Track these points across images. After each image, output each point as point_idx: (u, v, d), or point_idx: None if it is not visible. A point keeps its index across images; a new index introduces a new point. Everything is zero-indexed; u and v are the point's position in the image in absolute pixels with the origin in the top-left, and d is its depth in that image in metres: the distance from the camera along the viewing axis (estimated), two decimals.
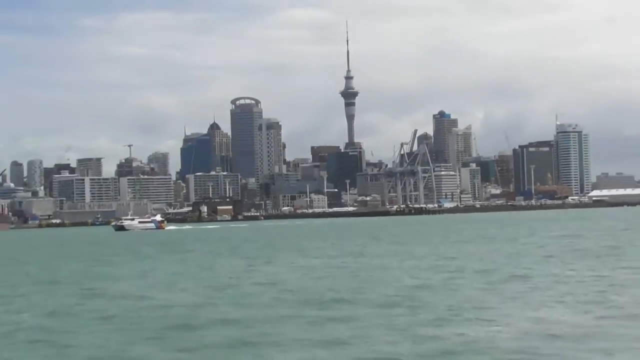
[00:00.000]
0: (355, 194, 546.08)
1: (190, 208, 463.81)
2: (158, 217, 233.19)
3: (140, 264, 71.59)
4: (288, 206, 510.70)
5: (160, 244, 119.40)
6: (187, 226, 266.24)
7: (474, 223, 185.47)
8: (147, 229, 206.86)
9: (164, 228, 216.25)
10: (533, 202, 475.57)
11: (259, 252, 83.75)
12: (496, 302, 35.39)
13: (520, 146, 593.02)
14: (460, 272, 50.64)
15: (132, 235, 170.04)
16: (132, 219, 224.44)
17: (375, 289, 41.90)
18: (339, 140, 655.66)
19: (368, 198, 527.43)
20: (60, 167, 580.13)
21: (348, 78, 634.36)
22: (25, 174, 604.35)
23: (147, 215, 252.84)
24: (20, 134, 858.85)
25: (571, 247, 74.31)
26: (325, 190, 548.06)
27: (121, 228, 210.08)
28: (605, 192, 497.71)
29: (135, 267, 67.39)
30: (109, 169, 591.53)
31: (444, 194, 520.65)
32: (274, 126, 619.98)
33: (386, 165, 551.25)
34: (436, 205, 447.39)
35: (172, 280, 52.09)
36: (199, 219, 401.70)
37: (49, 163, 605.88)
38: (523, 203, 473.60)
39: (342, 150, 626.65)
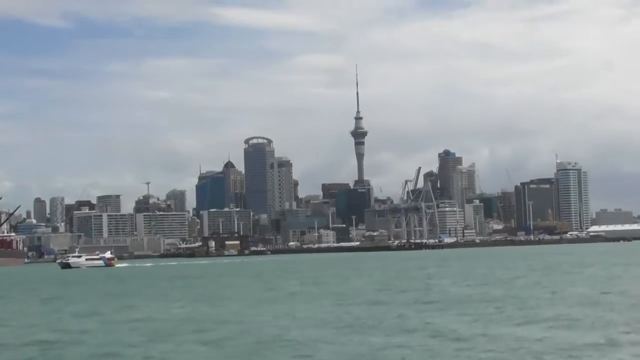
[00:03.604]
0: (363, 230, 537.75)
1: (200, 243, 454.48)
2: (108, 254, 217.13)
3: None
4: (298, 241, 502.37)
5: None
6: (148, 264, 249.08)
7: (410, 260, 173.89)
8: (94, 267, 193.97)
9: (114, 265, 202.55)
10: (532, 237, 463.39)
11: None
12: None
13: (522, 183, 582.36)
14: None
15: (75, 273, 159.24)
16: (79, 256, 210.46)
17: None
18: (349, 178, 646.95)
19: (375, 233, 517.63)
20: (81, 204, 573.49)
21: (358, 119, 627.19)
22: (48, 210, 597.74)
23: (96, 252, 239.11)
24: (50, 172, 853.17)
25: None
26: (334, 225, 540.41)
27: (67, 266, 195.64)
28: (603, 227, 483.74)
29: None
30: (128, 206, 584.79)
31: (447, 229, 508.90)
32: (285, 164, 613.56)
33: (392, 202, 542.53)
34: (437, 240, 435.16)
35: None
36: (207, 254, 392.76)
37: (72, 200, 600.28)
38: (522, 238, 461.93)
39: (352, 188, 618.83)
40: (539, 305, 47.37)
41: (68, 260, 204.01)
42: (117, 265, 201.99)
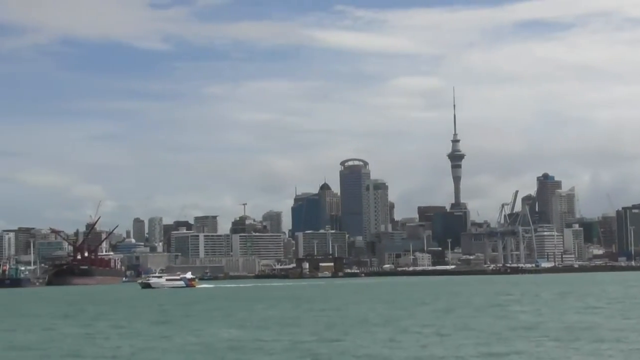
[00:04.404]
0: (459, 253, 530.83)
1: (294, 264, 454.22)
2: (189, 275, 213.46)
3: None
4: (393, 264, 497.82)
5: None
6: (235, 284, 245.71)
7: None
8: (175, 287, 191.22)
9: (194, 286, 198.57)
10: (633, 263, 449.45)
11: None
12: None
13: (623, 208, 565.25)
14: None
15: (153, 293, 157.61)
16: (160, 277, 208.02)
17: None
18: (446, 201, 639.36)
19: (471, 257, 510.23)
20: (178, 224, 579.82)
21: (455, 141, 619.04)
22: (147, 230, 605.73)
23: (177, 273, 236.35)
24: (149, 192, 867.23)
25: None
26: (430, 248, 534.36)
27: (147, 286, 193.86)
28: None
29: None
30: (225, 227, 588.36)
31: (546, 254, 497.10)
32: (380, 187, 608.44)
33: (488, 225, 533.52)
34: (533, 265, 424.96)
35: None
36: (301, 275, 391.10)
37: (171, 220, 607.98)
38: (623, 264, 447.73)
39: (448, 211, 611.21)
40: (610, 338, 43.18)
41: (149, 280, 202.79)
42: (198, 286, 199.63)
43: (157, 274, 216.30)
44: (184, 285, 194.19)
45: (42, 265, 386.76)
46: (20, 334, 56.01)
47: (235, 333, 51.60)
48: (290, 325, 57.52)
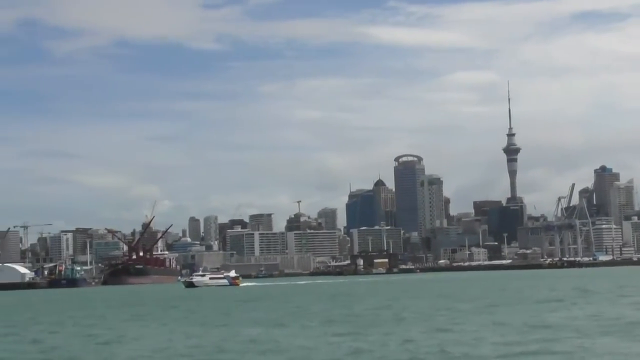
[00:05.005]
0: (516, 247, 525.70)
1: (349, 261, 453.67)
2: (232, 273, 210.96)
3: None
4: (448, 259, 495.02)
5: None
6: (283, 282, 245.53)
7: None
8: (218, 285, 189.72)
9: (238, 284, 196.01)
10: None
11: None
12: None
13: None
14: None
15: (196, 292, 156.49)
16: (203, 275, 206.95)
17: None
18: (502, 195, 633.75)
19: (528, 251, 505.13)
20: (234, 223, 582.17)
21: (510, 135, 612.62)
22: (202, 229, 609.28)
23: (221, 272, 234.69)
24: (205, 192, 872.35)
25: None
26: (485, 243, 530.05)
27: (191, 284, 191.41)
28: None
29: None
30: (280, 224, 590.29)
31: (604, 247, 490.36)
32: (435, 182, 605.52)
33: (545, 219, 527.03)
34: (591, 258, 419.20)
35: None
36: (355, 272, 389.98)
37: (226, 219, 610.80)
38: None
39: (504, 205, 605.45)
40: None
41: (192, 279, 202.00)
42: (241, 285, 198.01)
43: (200, 273, 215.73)
44: (228, 284, 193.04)
45: (99, 265, 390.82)
46: (46, 335, 55.26)
47: (258, 332, 50.31)
48: (319, 325, 55.96)
